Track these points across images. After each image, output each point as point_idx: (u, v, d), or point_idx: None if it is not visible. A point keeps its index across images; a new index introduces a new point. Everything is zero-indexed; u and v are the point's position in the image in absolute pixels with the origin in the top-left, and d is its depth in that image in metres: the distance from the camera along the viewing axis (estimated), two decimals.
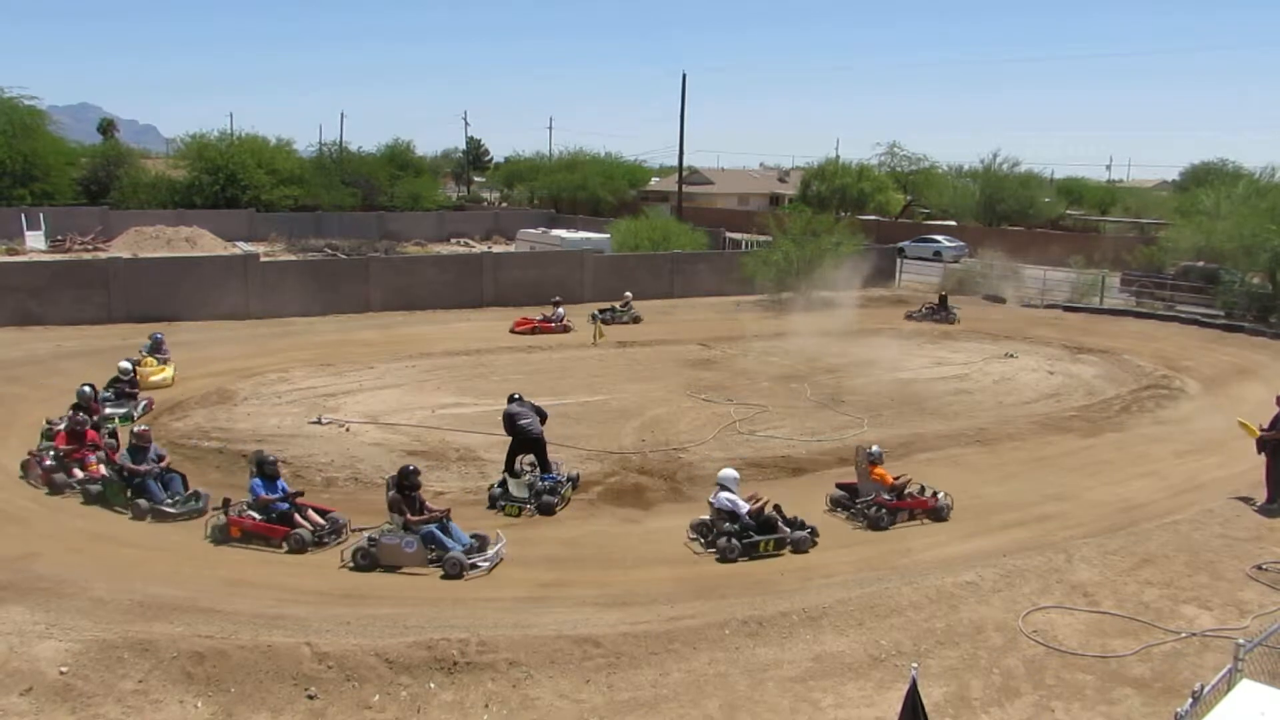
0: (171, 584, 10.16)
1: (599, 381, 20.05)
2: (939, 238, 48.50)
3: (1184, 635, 9.55)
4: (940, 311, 29.29)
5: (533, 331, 25.29)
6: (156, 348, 19.49)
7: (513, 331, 25.37)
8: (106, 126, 75.59)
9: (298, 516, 11.56)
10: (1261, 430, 13.22)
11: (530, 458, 13.79)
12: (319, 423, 16.21)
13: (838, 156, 66.38)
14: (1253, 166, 52.34)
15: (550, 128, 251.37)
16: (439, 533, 10.99)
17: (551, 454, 14.86)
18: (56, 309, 24.52)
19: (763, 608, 9.80)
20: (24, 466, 13.51)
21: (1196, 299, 30.88)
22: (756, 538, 11.42)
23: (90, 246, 41.66)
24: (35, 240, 41.31)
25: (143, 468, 12.52)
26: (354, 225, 51.51)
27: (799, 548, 11.55)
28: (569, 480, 13.44)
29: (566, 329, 25.55)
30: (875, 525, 12.40)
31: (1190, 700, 5.72)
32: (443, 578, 10.62)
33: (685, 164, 59.16)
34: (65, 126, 58.67)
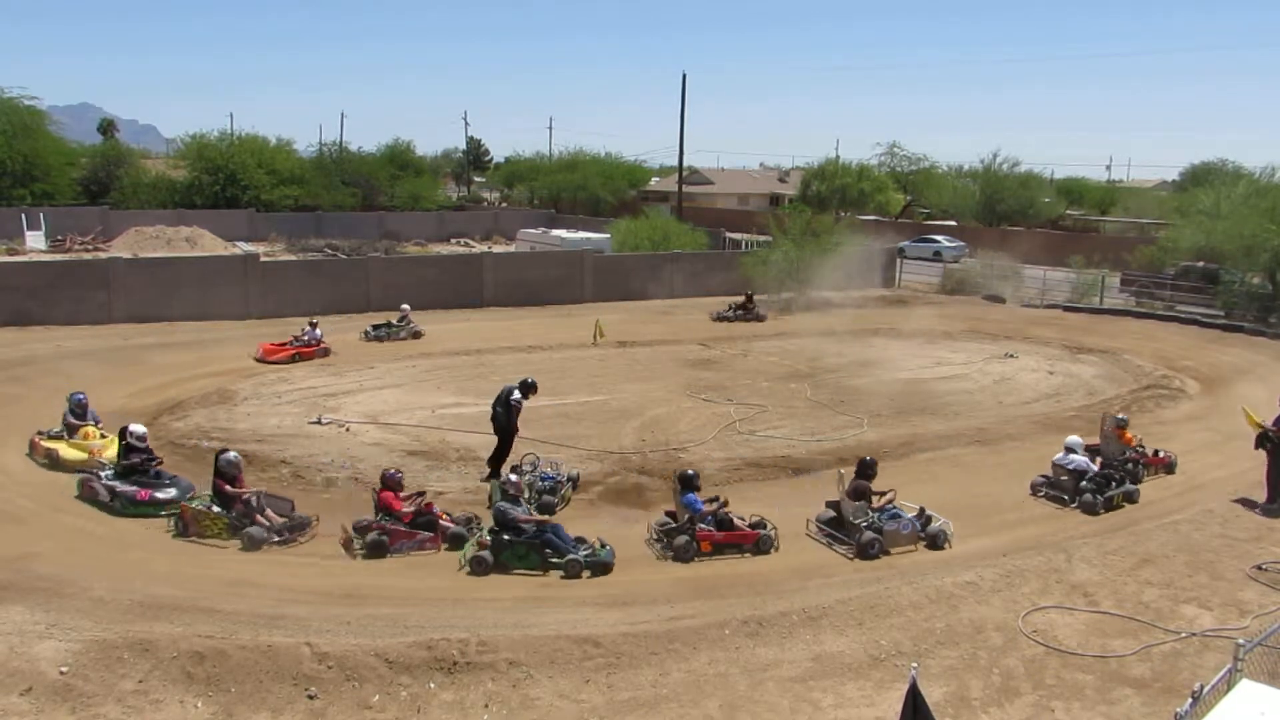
0: (171, 584, 10.15)
1: (599, 381, 20.05)
2: (939, 238, 48.49)
3: (1184, 635, 9.55)
4: (745, 310, 28.47)
5: (292, 359, 20.98)
6: (83, 412, 15.11)
7: (263, 360, 20.94)
8: (106, 126, 75.58)
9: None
10: (1264, 427, 13.22)
11: (532, 455, 13.79)
12: (319, 423, 16.21)
13: (838, 156, 66.35)
14: (1253, 166, 52.29)
15: (550, 128, 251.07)
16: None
17: (551, 454, 14.90)
18: (56, 309, 24.51)
19: (763, 608, 9.81)
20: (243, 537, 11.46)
21: (1196, 299, 30.88)
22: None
23: (90, 246, 41.66)
24: (35, 240, 41.32)
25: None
26: (354, 225, 51.50)
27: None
28: (569, 480, 13.43)
29: (326, 351, 21.86)
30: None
31: (1190, 700, 5.72)
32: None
33: (685, 164, 59.19)
34: (65, 126, 58.59)
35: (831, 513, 12.16)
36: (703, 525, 11.40)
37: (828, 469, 14.69)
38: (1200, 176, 55.13)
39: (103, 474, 12.68)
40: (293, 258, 37.08)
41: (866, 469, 12.04)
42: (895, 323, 28.39)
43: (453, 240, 52.10)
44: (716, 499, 11.86)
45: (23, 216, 42.81)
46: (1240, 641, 6.36)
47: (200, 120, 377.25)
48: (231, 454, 12.25)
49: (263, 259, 29.48)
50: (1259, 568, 11.12)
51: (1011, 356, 23.47)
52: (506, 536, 10.78)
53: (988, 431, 16.84)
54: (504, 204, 74.33)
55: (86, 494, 12.55)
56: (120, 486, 12.37)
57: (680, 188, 58.47)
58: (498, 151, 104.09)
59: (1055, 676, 8.77)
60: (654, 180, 77.24)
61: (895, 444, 15.95)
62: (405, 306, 25.51)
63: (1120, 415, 14.85)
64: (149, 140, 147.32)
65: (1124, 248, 37.82)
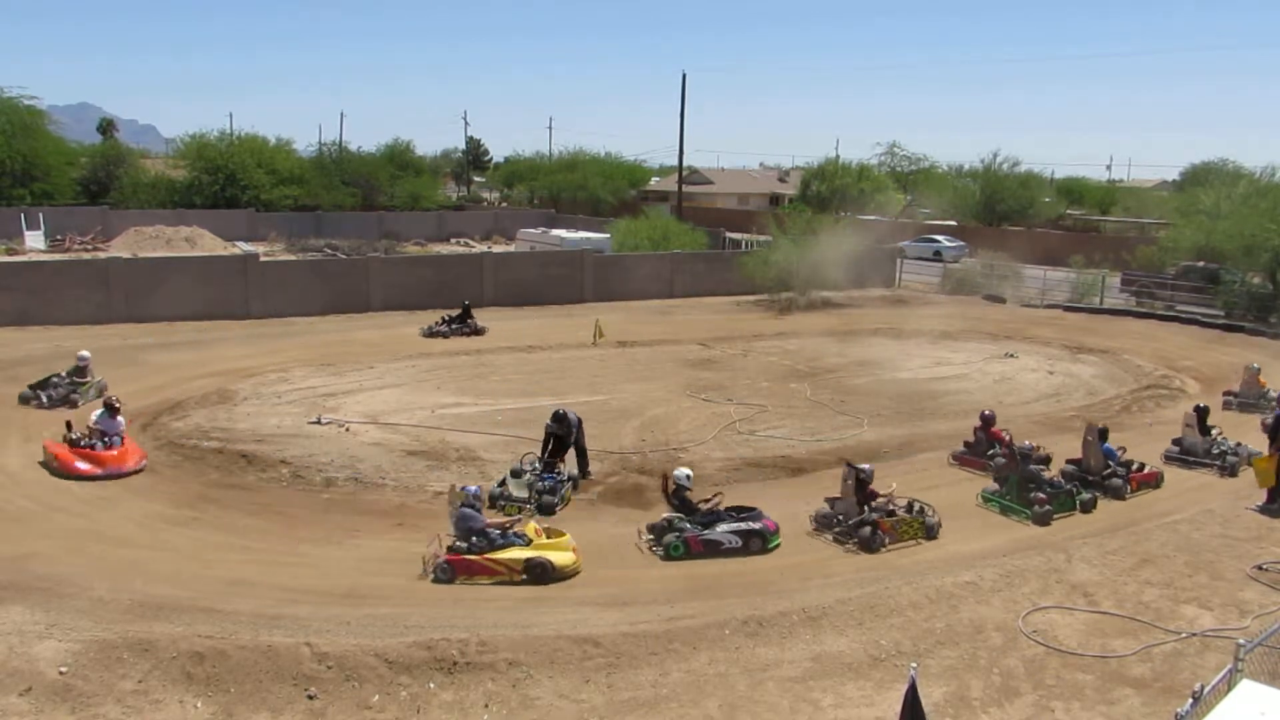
0: (171, 584, 10.16)
1: (599, 381, 20.06)
2: (939, 238, 48.50)
3: (1184, 635, 9.55)
4: (461, 323, 25.37)
5: (91, 476, 13.52)
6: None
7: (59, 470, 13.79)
8: (106, 126, 75.56)
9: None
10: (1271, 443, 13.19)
11: (532, 455, 13.85)
12: (319, 423, 16.21)
13: (838, 156, 66.34)
14: (1253, 166, 52.28)
15: (550, 128, 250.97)
16: None
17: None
18: (56, 309, 24.51)
19: (763, 608, 9.80)
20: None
21: (1196, 299, 30.87)
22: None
23: (90, 246, 41.66)
24: (35, 240, 41.30)
25: None
26: (354, 225, 51.49)
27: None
28: (570, 480, 13.43)
29: (137, 465, 13.98)
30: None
31: (1190, 700, 5.72)
32: None
33: (685, 164, 59.24)
34: (65, 126, 58.59)
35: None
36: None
37: (828, 469, 14.71)
38: (1200, 176, 55.08)
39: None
40: (293, 258, 37.06)
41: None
42: (895, 323, 28.39)
43: (453, 240, 52.08)
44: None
45: (22, 216, 42.80)
46: (1241, 642, 6.37)
47: (200, 120, 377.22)
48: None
49: (263, 259, 29.48)
50: (1259, 568, 11.11)
51: (1011, 356, 23.48)
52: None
53: None
54: (504, 204, 74.31)
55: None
56: None
57: (680, 188, 58.49)
58: (498, 151, 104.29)
59: (1055, 676, 8.77)
60: (654, 180, 77.22)
61: (895, 444, 15.95)
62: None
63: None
64: (149, 140, 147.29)
65: (1124, 248, 37.81)
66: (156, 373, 19.87)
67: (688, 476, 12.02)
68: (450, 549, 10.69)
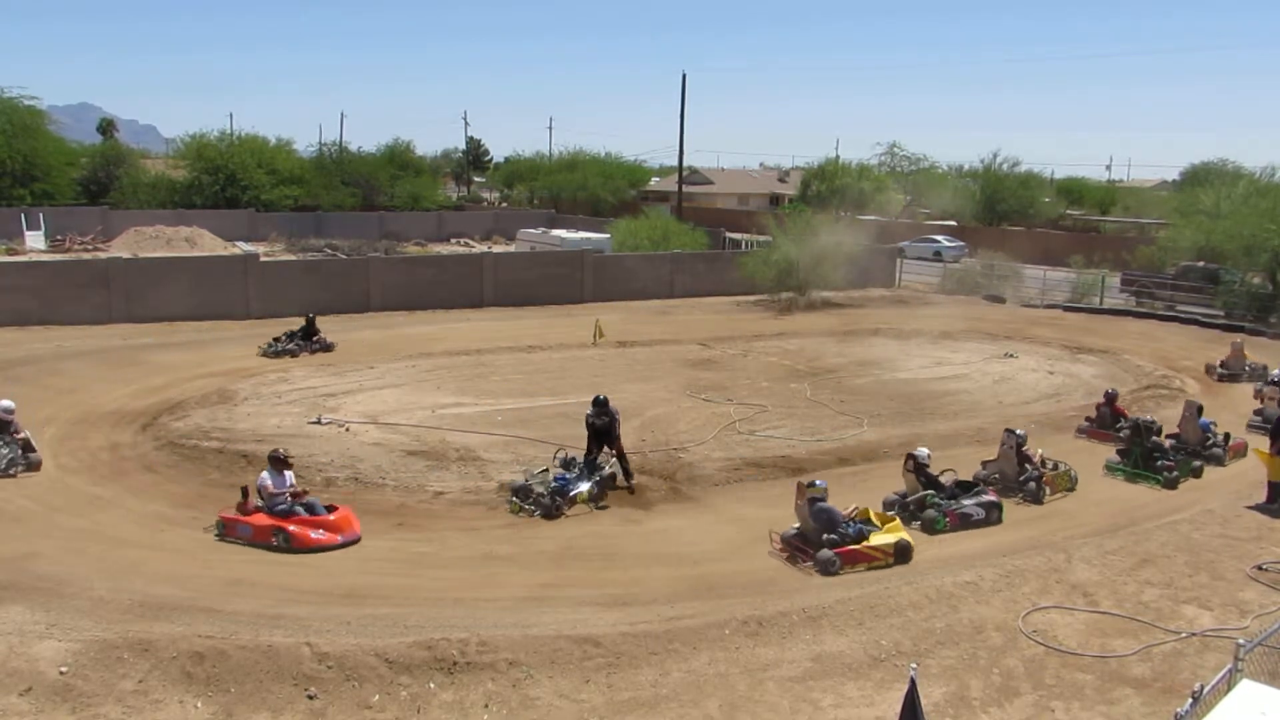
0: (171, 584, 10.16)
1: (599, 381, 20.03)
2: (939, 238, 48.52)
3: (1184, 635, 9.55)
4: (306, 339, 22.37)
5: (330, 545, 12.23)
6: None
7: None
8: (106, 126, 75.60)
9: None
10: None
11: (563, 452, 13.80)
12: (319, 423, 16.21)
13: (838, 156, 66.36)
14: (1253, 166, 52.38)
15: (550, 128, 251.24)
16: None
17: (552, 453, 14.89)
18: (56, 309, 24.52)
19: (763, 608, 9.80)
20: None
21: (1196, 299, 30.89)
22: None
23: (90, 246, 41.68)
24: (35, 240, 41.34)
25: None
26: (354, 225, 51.50)
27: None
28: (597, 480, 13.06)
29: None
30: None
31: (1190, 700, 5.72)
32: None
33: (685, 164, 59.24)
34: (65, 126, 58.63)
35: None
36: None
37: (828, 469, 14.72)
38: (1200, 176, 55.09)
39: None
40: (293, 258, 37.09)
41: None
42: (895, 323, 28.39)
43: (453, 240, 52.10)
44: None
45: (22, 216, 42.83)
46: (1240, 641, 6.37)
47: (200, 120, 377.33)
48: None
49: (263, 259, 29.52)
50: (1259, 568, 11.12)
51: (1011, 356, 23.48)
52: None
53: (988, 431, 16.81)
54: (504, 204, 74.32)
55: None
56: None
57: (680, 188, 58.50)
58: (498, 151, 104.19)
59: (1055, 676, 8.77)
60: (654, 180, 77.24)
61: (895, 444, 15.94)
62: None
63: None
64: (149, 140, 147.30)
65: (1124, 248, 37.84)
66: (156, 373, 19.88)
67: (928, 455, 12.85)
68: (829, 544, 10.86)
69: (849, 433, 16.61)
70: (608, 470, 13.34)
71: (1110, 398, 16.90)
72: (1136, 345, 25.26)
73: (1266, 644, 6.88)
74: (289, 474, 11.98)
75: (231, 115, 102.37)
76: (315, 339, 22.36)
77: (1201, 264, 31.76)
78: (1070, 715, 8.19)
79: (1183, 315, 29.34)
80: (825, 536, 10.92)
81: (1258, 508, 13.02)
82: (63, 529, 11.73)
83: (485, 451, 15.00)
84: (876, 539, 11.12)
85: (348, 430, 15.91)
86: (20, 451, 13.60)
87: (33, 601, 9.54)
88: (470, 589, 10.34)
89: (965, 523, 12.18)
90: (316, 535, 11.35)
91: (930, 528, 12.03)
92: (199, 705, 8.08)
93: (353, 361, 21.29)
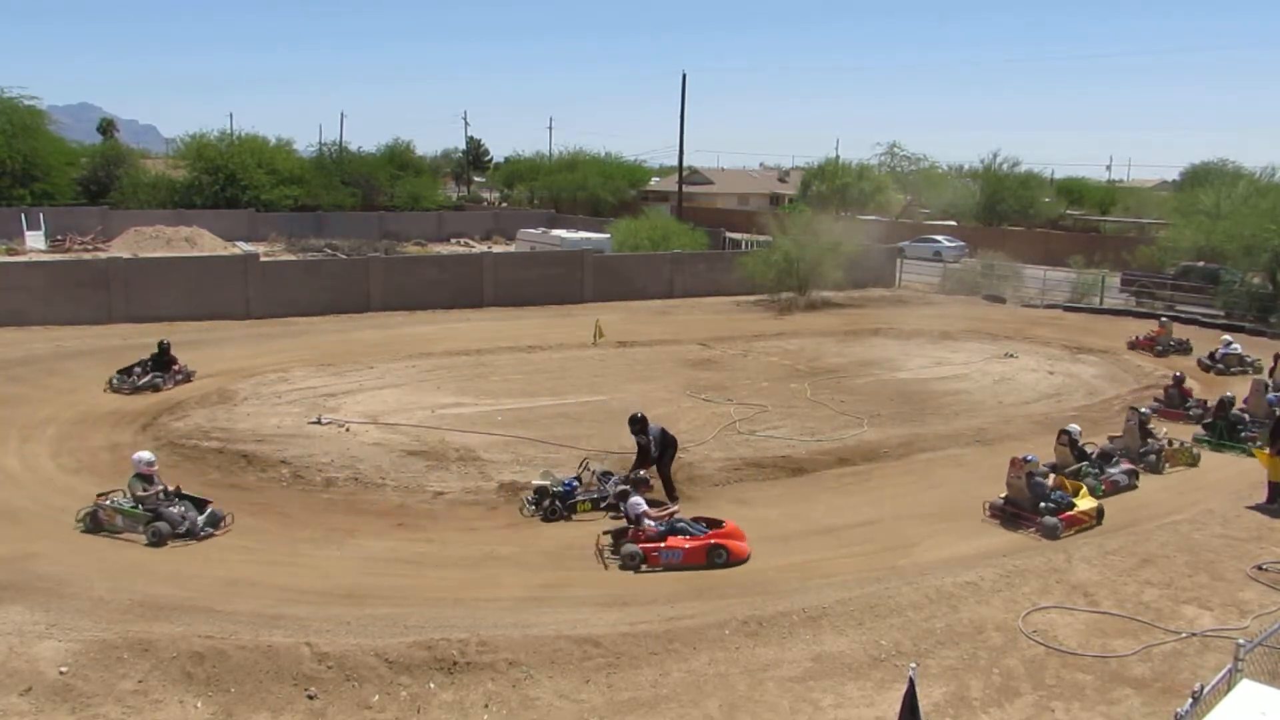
0: (171, 584, 10.16)
1: (599, 381, 20.05)
2: (939, 238, 48.52)
3: (1184, 635, 9.55)
4: (160, 369, 18.65)
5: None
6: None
7: None
8: (106, 126, 75.61)
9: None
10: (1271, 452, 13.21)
11: (589, 461, 13.66)
12: (319, 423, 16.21)
13: (838, 156, 66.39)
14: (1253, 166, 52.44)
15: (550, 128, 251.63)
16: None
17: (552, 454, 14.90)
18: (56, 309, 24.51)
19: (763, 608, 9.80)
20: None
21: (1196, 299, 30.88)
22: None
23: (90, 246, 41.68)
24: (35, 240, 41.33)
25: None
26: (354, 225, 51.50)
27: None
28: (599, 496, 12.81)
29: None
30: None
31: (1190, 700, 5.72)
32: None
33: (685, 164, 59.21)
34: (65, 126, 58.62)
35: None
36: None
37: (828, 469, 14.72)
38: (1200, 176, 55.12)
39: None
40: (293, 258, 37.09)
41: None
42: (895, 323, 28.39)
43: (453, 240, 52.10)
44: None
45: (22, 216, 42.82)
46: (1240, 642, 6.37)
47: (200, 120, 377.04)
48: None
49: (263, 259, 29.49)
50: (1259, 568, 11.12)
51: (1011, 356, 23.48)
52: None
53: (988, 431, 16.84)
54: (504, 204, 74.31)
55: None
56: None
57: (680, 188, 58.49)
58: (498, 151, 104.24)
59: (1055, 676, 8.77)
60: (654, 180, 77.23)
61: (895, 444, 15.95)
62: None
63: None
64: (149, 140, 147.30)
65: (1124, 248, 37.85)
66: None
67: (1079, 431, 14.44)
68: (1049, 511, 12.15)
69: (849, 433, 16.61)
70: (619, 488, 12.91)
71: (1178, 380, 18.65)
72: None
73: (1266, 644, 6.88)
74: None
75: (231, 115, 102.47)
76: (175, 369, 18.70)
77: (1201, 264, 31.76)
78: (1070, 715, 8.19)
79: (1183, 315, 29.32)
80: (1041, 505, 12.25)
81: (1258, 508, 13.02)
82: (63, 529, 11.72)
83: (485, 452, 14.99)
84: (1082, 504, 12.51)
85: (348, 430, 15.90)
86: (196, 514, 11.68)
87: (33, 601, 9.54)
88: (470, 589, 10.34)
89: (1115, 489, 13.65)
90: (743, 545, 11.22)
91: (1090, 493, 13.13)
92: (199, 705, 8.08)
93: (350, 362, 21.29)
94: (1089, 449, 14.40)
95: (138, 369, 18.54)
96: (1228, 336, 24.02)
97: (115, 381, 18.25)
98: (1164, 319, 26.12)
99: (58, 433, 15.58)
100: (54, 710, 7.92)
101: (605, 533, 11.58)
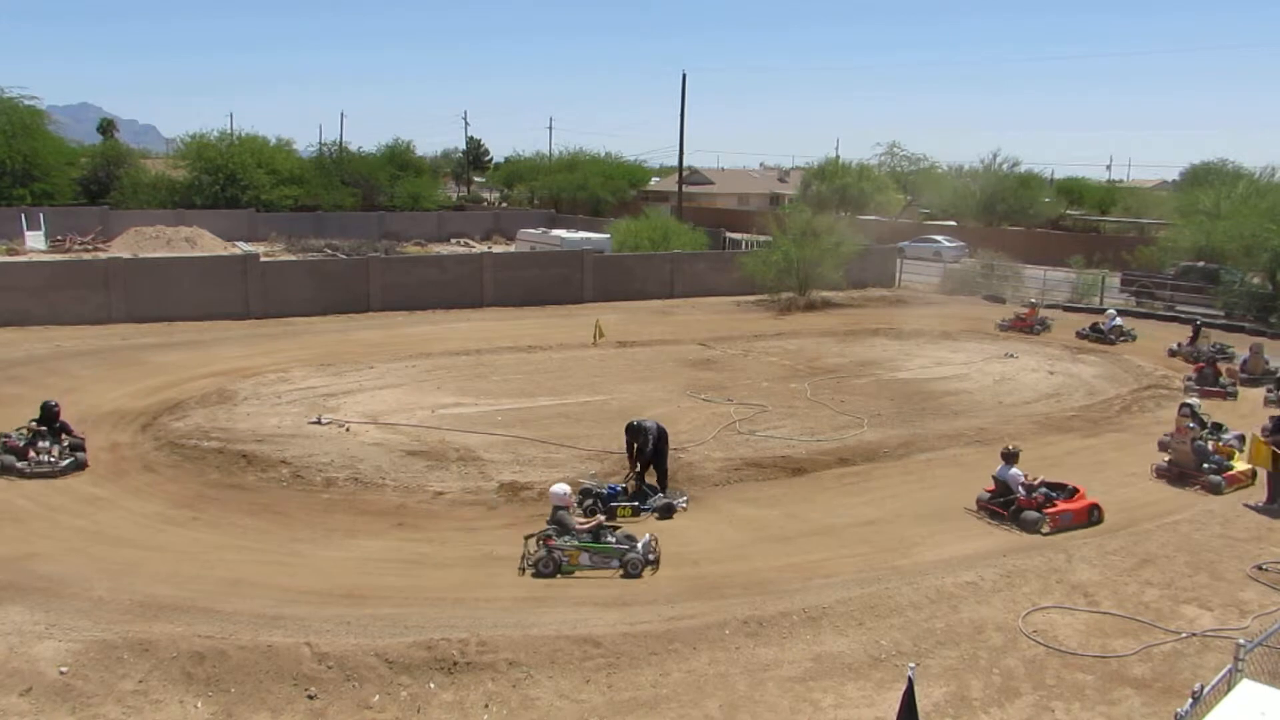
0: (171, 584, 10.16)
1: (599, 381, 20.05)
2: (939, 238, 48.50)
3: (1184, 635, 9.55)
4: (50, 437, 13.72)
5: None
6: None
7: None
8: (106, 126, 75.54)
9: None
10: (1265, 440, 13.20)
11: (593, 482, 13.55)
12: (319, 423, 16.21)
13: (838, 156, 66.32)
14: (1253, 166, 52.33)
15: (550, 128, 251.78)
16: None
17: (552, 453, 14.90)
18: (56, 309, 24.50)
19: (763, 608, 9.80)
20: None
21: (1196, 299, 30.87)
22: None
23: (90, 246, 41.66)
24: (35, 240, 41.30)
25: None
26: (354, 225, 51.47)
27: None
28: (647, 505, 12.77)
29: None
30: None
31: (1190, 700, 5.72)
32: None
33: (685, 164, 59.21)
34: (65, 126, 58.62)
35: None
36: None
37: (828, 469, 14.71)
38: (1200, 176, 55.06)
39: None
40: (293, 258, 37.07)
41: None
42: (895, 323, 28.39)
43: (453, 240, 52.08)
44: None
45: (22, 216, 42.80)
46: (1241, 641, 6.36)
47: (200, 120, 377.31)
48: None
49: (263, 259, 29.47)
50: (1259, 568, 11.12)
51: (1011, 356, 23.47)
52: None
53: (988, 431, 16.83)
54: (504, 204, 74.29)
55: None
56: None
57: (680, 188, 58.49)
58: (498, 151, 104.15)
59: (1055, 676, 8.77)
60: (654, 180, 77.21)
61: (895, 444, 15.95)
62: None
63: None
64: (149, 140, 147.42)
65: (1124, 248, 37.83)
66: (156, 373, 19.87)
67: (1199, 404, 15.64)
68: (1212, 471, 13.87)
69: (849, 433, 16.60)
70: (661, 500, 12.83)
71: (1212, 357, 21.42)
72: (1137, 345, 25.27)
73: (1266, 644, 6.88)
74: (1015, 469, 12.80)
75: (231, 115, 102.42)
76: (67, 441, 14.04)
77: (1201, 264, 31.75)
78: (1070, 716, 8.19)
79: (1183, 315, 29.31)
80: (1205, 465, 13.93)
81: (1258, 508, 13.02)
82: (63, 529, 11.73)
83: (485, 451, 14.99)
84: (1238, 466, 14.02)
85: (348, 430, 15.90)
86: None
87: (33, 601, 9.54)
88: (470, 589, 10.34)
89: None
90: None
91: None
92: (199, 705, 8.08)
93: (350, 362, 21.29)
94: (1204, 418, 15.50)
95: (30, 435, 13.83)
96: (1112, 310, 27.66)
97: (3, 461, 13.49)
98: (1033, 300, 28.88)
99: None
100: (54, 710, 7.92)
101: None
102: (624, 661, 8.80)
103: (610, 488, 12.89)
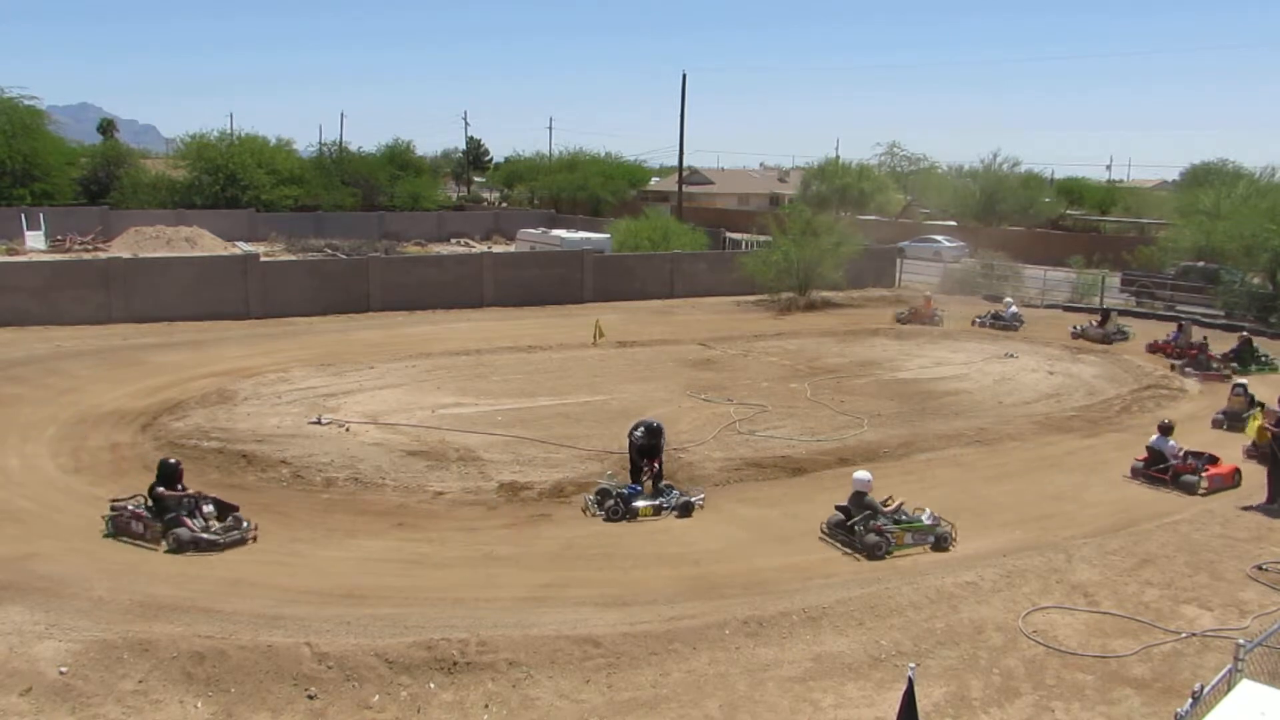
0: (171, 584, 10.16)
1: (599, 381, 20.05)
2: (939, 238, 48.50)
3: (1184, 635, 9.55)
4: None
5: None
6: None
7: None
8: (106, 126, 75.57)
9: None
10: (1266, 426, 13.23)
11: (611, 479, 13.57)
12: (319, 423, 16.21)
13: (838, 156, 66.33)
14: (1253, 166, 52.37)
15: (550, 128, 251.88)
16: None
17: (552, 453, 14.90)
18: (56, 309, 24.51)
19: (763, 608, 9.80)
20: None
21: (1196, 299, 30.87)
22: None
23: (90, 246, 41.65)
24: (35, 240, 41.30)
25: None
26: (354, 225, 51.47)
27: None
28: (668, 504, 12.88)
29: None
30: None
31: (1190, 700, 5.72)
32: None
33: (685, 164, 59.21)
34: (65, 126, 58.64)
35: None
36: None
37: (828, 469, 14.71)
38: (1200, 176, 55.04)
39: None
40: (293, 258, 37.07)
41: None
42: (895, 323, 28.39)
43: (453, 240, 52.07)
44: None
45: (22, 216, 42.80)
46: (1241, 642, 6.36)
47: (200, 120, 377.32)
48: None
49: (263, 259, 29.48)
50: (1259, 568, 11.11)
51: (1011, 356, 23.47)
52: None
53: (988, 431, 16.83)
54: (504, 204, 74.29)
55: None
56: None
57: (680, 188, 58.50)
58: (498, 151, 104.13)
59: (1055, 676, 8.77)
60: (654, 180, 77.23)
61: (895, 444, 15.95)
62: None
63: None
64: (149, 140, 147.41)
65: (1124, 248, 37.83)
66: (156, 373, 19.88)
67: (1248, 384, 17.06)
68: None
69: (849, 433, 16.60)
70: (680, 498, 12.89)
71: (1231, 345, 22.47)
72: (1136, 345, 25.25)
73: (1266, 644, 6.88)
74: (1172, 441, 14.39)
75: (231, 115, 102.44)
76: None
77: (1201, 264, 31.74)
78: (1070, 716, 8.19)
79: (1183, 315, 29.27)
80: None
81: (1258, 508, 13.01)
82: (63, 529, 11.73)
83: (485, 452, 15.00)
84: None
85: (348, 430, 15.91)
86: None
87: (33, 601, 9.54)
88: (470, 589, 10.34)
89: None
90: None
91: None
92: (199, 705, 8.08)
93: (350, 362, 21.29)
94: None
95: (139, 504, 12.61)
96: (1009, 299, 29.37)
97: None
98: (926, 294, 30.91)
99: (58, 433, 15.58)
100: (54, 710, 7.92)
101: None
102: (624, 661, 8.80)
103: (630, 488, 12.92)
